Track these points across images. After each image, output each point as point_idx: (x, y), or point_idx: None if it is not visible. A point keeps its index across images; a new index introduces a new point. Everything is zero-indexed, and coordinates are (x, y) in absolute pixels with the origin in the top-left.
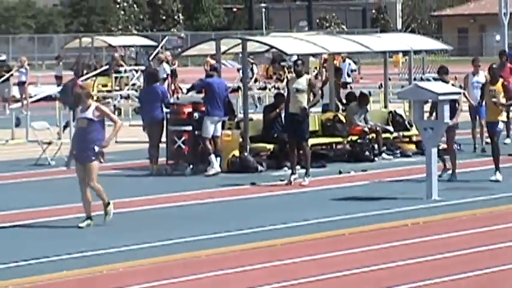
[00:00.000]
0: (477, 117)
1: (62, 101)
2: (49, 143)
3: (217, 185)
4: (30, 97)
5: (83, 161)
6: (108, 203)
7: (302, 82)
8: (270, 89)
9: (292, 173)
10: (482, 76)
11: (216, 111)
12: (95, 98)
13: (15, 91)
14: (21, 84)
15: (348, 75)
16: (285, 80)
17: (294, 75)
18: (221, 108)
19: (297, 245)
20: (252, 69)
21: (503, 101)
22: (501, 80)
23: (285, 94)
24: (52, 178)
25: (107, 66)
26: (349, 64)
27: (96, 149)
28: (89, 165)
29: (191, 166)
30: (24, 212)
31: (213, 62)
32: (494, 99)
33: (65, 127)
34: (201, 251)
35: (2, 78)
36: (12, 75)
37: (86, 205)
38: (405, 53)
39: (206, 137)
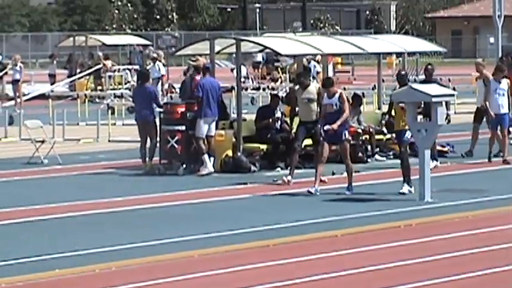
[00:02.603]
0: (499, 127)
1: (181, 97)
2: (42, 142)
3: (210, 185)
4: (24, 95)
5: None
6: None
7: (312, 91)
8: (264, 89)
9: (290, 174)
10: (505, 83)
11: (209, 111)
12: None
13: (8, 89)
14: (15, 83)
15: (313, 78)
16: (279, 80)
17: (298, 86)
18: (215, 108)
19: (289, 245)
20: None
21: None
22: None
23: (280, 95)
24: (45, 176)
25: (100, 65)
26: (314, 66)
27: None
28: None
29: (184, 166)
30: (16, 211)
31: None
32: (402, 104)
33: None
34: (193, 251)
35: None
36: (6, 73)
37: None
38: (399, 54)
39: (200, 136)
